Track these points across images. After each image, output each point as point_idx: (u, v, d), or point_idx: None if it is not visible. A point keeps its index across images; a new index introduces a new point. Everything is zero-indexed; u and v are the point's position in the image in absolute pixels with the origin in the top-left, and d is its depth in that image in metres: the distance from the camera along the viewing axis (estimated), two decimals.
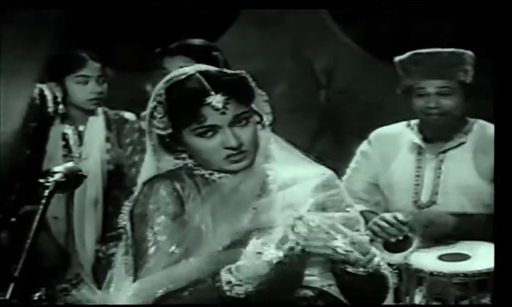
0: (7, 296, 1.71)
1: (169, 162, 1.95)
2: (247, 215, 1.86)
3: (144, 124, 3.38)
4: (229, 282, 1.68)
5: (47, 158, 3.39)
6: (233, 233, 1.80)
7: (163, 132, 1.89)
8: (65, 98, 3.41)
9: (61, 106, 3.40)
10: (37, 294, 1.79)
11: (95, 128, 3.47)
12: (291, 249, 1.69)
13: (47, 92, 3.40)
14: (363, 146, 3.17)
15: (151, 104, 1.92)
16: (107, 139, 3.47)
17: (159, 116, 1.88)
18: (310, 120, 5.35)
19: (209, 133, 1.86)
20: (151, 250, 1.80)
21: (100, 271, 3.16)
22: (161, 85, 1.92)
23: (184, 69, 1.97)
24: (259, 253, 1.69)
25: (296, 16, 5.40)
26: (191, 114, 1.85)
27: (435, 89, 2.95)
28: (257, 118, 1.93)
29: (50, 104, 3.39)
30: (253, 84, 1.95)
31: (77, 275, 3.24)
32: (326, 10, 5.44)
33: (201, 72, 1.90)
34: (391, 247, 2.77)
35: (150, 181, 1.91)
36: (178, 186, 1.89)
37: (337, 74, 5.49)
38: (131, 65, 5.56)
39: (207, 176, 1.92)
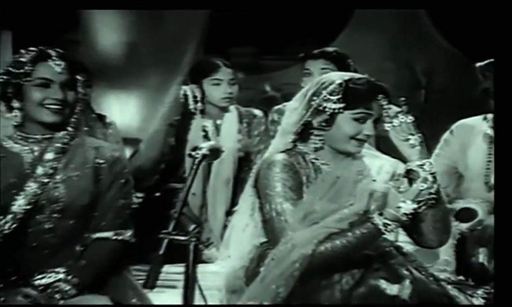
0: (170, 229, 2.18)
1: (289, 141, 2.53)
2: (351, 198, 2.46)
3: (275, 116, 3.96)
4: (385, 224, 2.34)
5: (189, 146, 3.96)
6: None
7: (333, 106, 2.45)
8: (203, 97, 4.04)
9: (199, 104, 4.03)
10: (192, 226, 2.21)
11: (230, 122, 4.07)
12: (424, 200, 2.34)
13: (189, 92, 4.04)
14: (446, 135, 3.59)
15: (321, 88, 2.48)
16: (239, 131, 4.07)
17: (335, 98, 2.46)
18: None
19: (362, 120, 2.47)
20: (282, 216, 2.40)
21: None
22: (336, 77, 2.51)
23: (353, 74, 2.57)
24: (399, 207, 2.33)
25: (398, 21, 5.86)
26: (366, 102, 2.45)
27: None
28: None
29: (191, 102, 4.05)
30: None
31: (208, 238, 3.86)
32: (425, 11, 5.82)
33: (369, 79, 2.50)
34: (460, 217, 3.29)
35: (274, 158, 2.49)
36: (297, 164, 2.48)
37: (435, 75, 5.89)
38: (250, 67, 6.07)
39: (313, 160, 2.51)
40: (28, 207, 2.57)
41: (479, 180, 3.41)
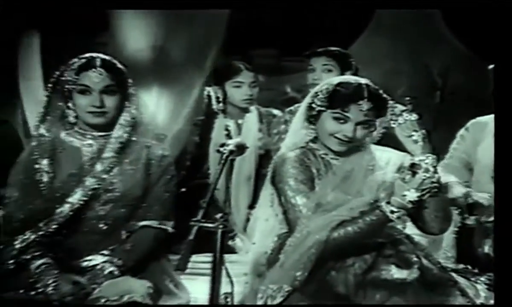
0: (200, 217, 2.38)
1: (302, 138, 2.76)
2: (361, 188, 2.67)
3: (287, 116, 4.17)
4: (392, 211, 2.57)
5: (212, 144, 4.19)
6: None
7: (319, 102, 2.69)
8: (225, 99, 4.24)
9: (221, 105, 4.25)
10: (219, 215, 2.40)
11: (251, 121, 4.26)
12: (427, 188, 2.54)
13: (212, 93, 4.26)
14: (462, 131, 3.77)
15: (319, 87, 2.74)
16: (259, 130, 4.26)
17: (322, 96, 2.71)
18: (427, 118, 5.33)
19: (342, 121, 2.68)
20: (298, 207, 2.63)
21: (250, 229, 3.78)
22: (333, 79, 2.76)
23: (356, 77, 2.78)
24: (404, 195, 2.55)
25: (414, 25, 5.91)
26: (345, 104, 2.67)
27: None
28: (372, 131, 2.74)
29: (214, 102, 4.27)
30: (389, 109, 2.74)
31: (232, 230, 4.01)
32: (440, 13, 5.89)
33: (367, 85, 2.70)
34: (470, 211, 3.48)
35: (286, 155, 2.73)
36: (307, 160, 2.72)
37: (451, 76, 5.97)
38: (272, 69, 6.22)
39: (323, 156, 2.73)
40: (85, 198, 2.82)
41: (486, 174, 3.55)
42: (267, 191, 2.80)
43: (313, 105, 2.73)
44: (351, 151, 2.76)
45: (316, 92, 2.74)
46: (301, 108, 2.83)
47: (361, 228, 2.57)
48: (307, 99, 2.79)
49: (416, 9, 5.61)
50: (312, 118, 2.75)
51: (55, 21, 5.17)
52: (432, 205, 2.65)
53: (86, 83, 2.85)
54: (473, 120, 3.76)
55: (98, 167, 2.86)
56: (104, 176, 2.86)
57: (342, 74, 3.99)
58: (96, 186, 2.84)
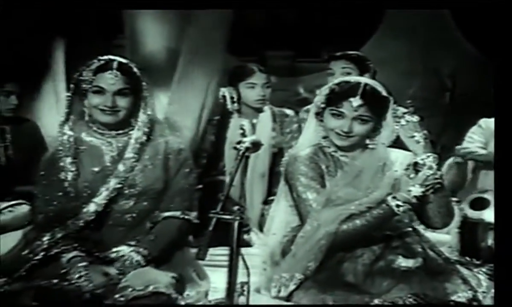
0: (218, 210, 2.51)
1: (315, 135, 2.93)
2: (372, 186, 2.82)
3: (304, 115, 4.29)
4: (397, 205, 2.74)
5: (228, 143, 4.36)
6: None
7: (322, 100, 2.87)
8: (239, 99, 4.41)
9: (235, 105, 4.41)
10: (236, 207, 2.51)
11: (264, 121, 4.44)
12: (431, 184, 2.72)
13: (226, 94, 4.43)
14: (474, 128, 4.07)
15: (325, 87, 2.90)
16: (273, 129, 4.44)
17: (324, 94, 2.88)
18: (437, 118, 5.88)
19: (339, 116, 2.84)
20: (309, 201, 2.79)
21: (264, 223, 3.74)
22: (337, 79, 2.91)
23: (358, 77, 2.93)
24: (410, 190, 2.72)
25: (424, 26, 6.05)
26: (338, 101, 2.83)
27: None
28: (378, 128, 2.87)
29: (228, 102, 4.43)
30: (391, 111, 2.87)
31: (247, 225, 4.14)
32: (450, 14, 6.00)
33: (366, 84, 2.83)
34: (475, 207, 3.65)
35: (298, 154, 2.89)
36: (316, 157, 2.89)
37: (460, 77, 6.09)
38: (285, 70, 6.32)
39: (332, 153, 2.89)
40: (109, 197, 2.94)
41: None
42: (281, 187, 2.96)
43: (318, 103, 2.90)
44: (360, 149, 2.91)
45: (321, 91, 2.91)
46: (312, 107, 2.98)
47: (369, 221, 2.73)
48: (316, 98, 2.96)
49: (426, 9, 5.69)
50: (319, 115, 2.91)
51: (75, 25, 5.31)
52: (436, 201, 2.80)
53: (101, 84, 2.95)
54: (483, 119, 4.05)
55: (121, 167, 2.97)
56: (127, 175, 2.97)
57: (360, 76, 4.12)
58: (120, 186, 2.95)
